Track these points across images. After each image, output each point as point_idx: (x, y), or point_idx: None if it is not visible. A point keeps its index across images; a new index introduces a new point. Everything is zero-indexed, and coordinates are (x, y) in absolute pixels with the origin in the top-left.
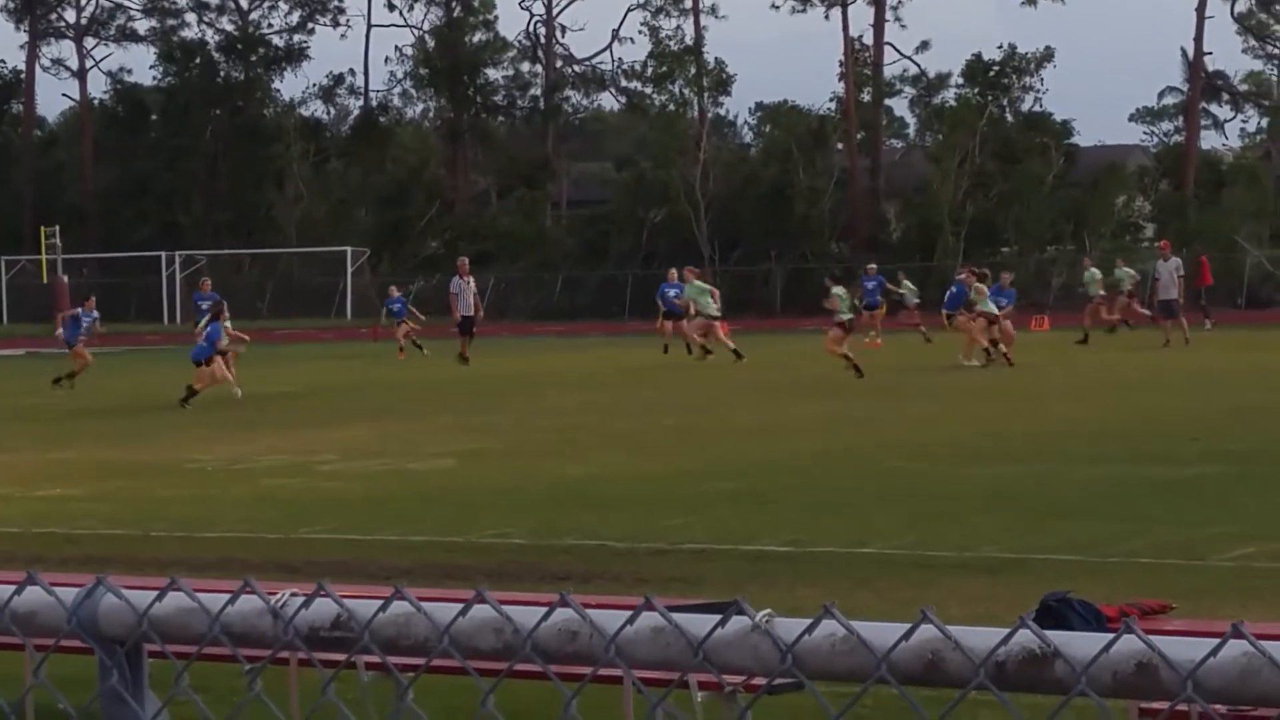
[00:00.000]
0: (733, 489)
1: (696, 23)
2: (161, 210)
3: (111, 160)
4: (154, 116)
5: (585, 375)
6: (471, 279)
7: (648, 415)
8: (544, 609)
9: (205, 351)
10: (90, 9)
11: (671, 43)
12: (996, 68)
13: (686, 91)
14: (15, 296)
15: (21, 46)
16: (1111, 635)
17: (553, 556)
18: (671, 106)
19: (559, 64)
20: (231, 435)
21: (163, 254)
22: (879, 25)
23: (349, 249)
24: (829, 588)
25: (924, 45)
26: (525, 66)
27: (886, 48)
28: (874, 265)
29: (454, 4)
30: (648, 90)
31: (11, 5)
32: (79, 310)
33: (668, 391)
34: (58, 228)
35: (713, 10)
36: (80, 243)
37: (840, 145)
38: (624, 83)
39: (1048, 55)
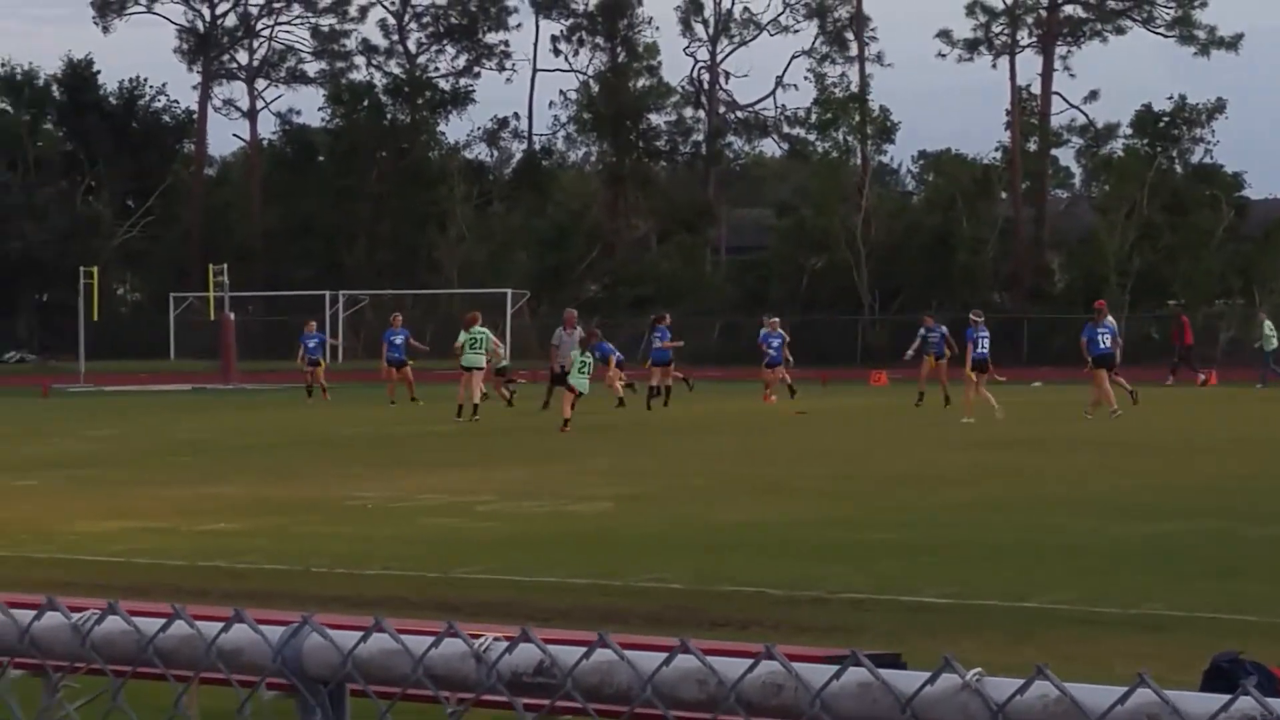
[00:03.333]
0: (890, 539)
1: (861, 70)
2: (326, 250)
3: (278, 200)
4: (321, 157)
5: (740, 420)
6: (579, 329)
7: (801, 462)
8: (747, 660)
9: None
10: (262, 51)
11: (836, 89)
12: (1166, 118)
13: (850, 138)
14: (182, 333)
15: (194, 87)
16: None
17: (711, 603)
18: (834, 153)
19: (722, 109)
20: (391, 474)
21: (326, 293)
22: (1047, 74)
23: (509, 291)
24: (991, 641)
25: (1092, 95)
26: (688, 112)
27: (1054, 97)
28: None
29: (619, 50)
30: (810, 137)
31: (185, 47)
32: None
33: (817, 438)
34: (225, 265)
35: (878, 58)
36: (246, 281)
37: (1005, 194)
38: (786, 129)
39: (1219, 106)
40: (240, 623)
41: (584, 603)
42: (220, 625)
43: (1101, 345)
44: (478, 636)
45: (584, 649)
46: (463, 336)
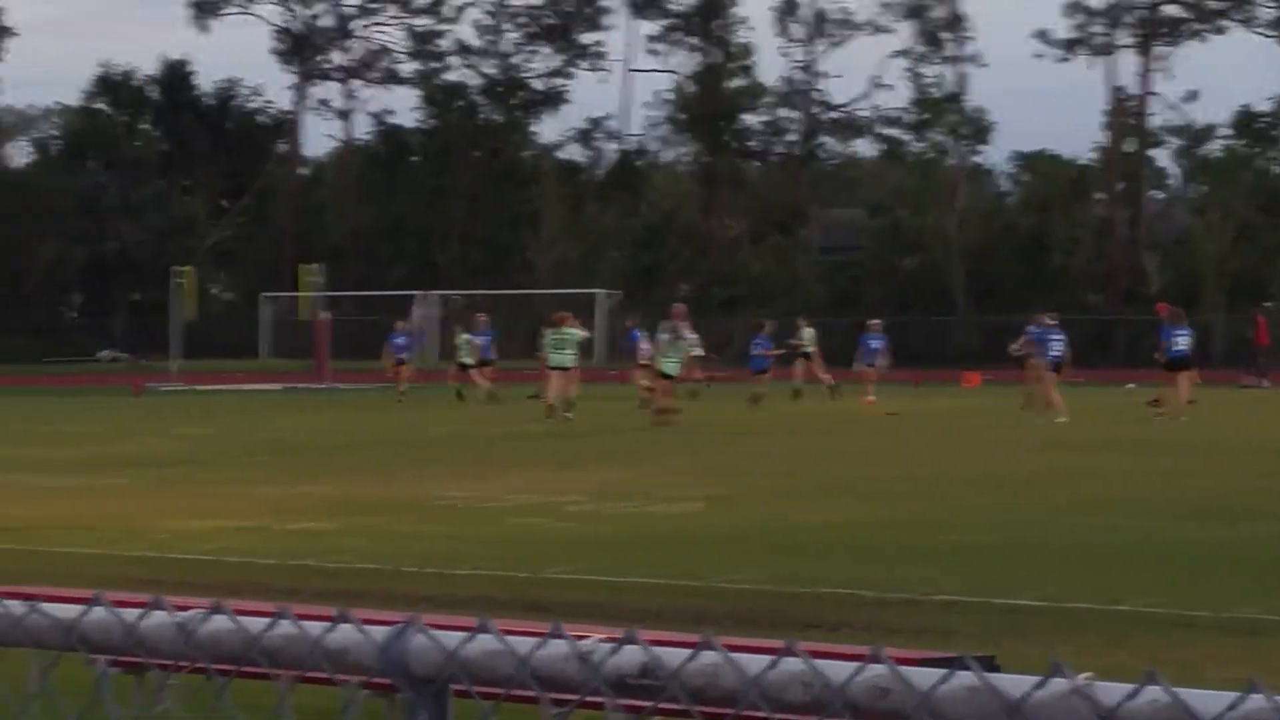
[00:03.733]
0: (981, 540)
1: (958, 70)
2: (419, 249)
3: (372, 200)
4: (415, 157)
5: (828, 421)
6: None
7: (892, 463)
8: (852, 663)
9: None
10: (357, 52)
11: (932, 90)
12: (1266, 119)
13: (945, 139)
14: (275, 332)
15: (290, 87)
16: None
17: (801, 604)
18: (929, 154)
19: (816, 110)
20: (480, 473)
21: (418, 293)
22: (1145, 75)
23: (601, 291)
24: (1085, 644)
25: (1191, 95)
26: (782, 112)
27: (1152, 98)
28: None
29: (713, 50)
30: (905, 137)
31: (281, 47)
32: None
33: (909, 439)
34: (319, 265)
35: (974, 58)
36: (339, 280)
37: (1100, 195)
38: (881, 129)
39: None
40: (345, 623)
41: (674, 604)
42: (325, 625)
43: (1177, 348)
44: (582, 638)
45: (689, 651)
46: (550, 336)
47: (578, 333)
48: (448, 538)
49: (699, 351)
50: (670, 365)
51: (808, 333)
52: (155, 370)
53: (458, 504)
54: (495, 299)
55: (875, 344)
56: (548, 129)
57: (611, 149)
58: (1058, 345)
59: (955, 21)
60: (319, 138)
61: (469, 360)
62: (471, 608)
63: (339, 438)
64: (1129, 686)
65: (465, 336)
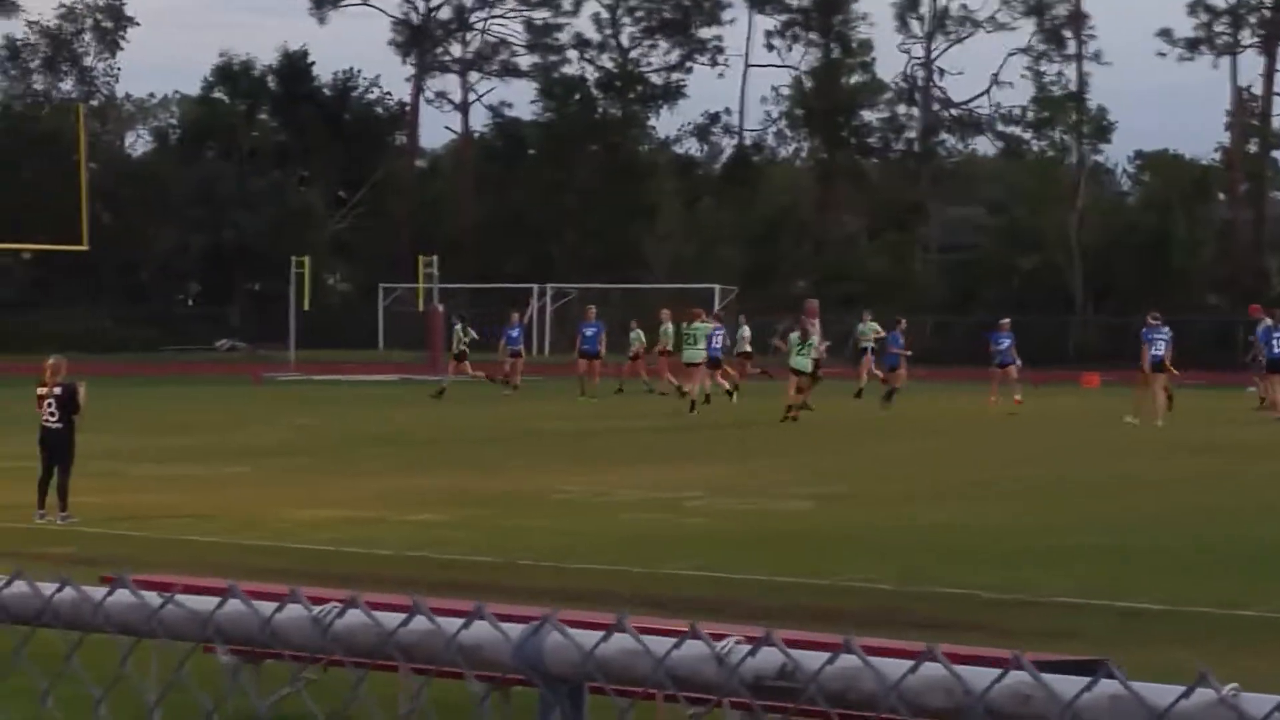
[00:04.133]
0: (1099, 543)
1: (1079, 68)
2: (534, 243)
3: (489, 192)
4: (531, 150)
5: (945, 421)
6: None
7: (1009, 464)
8: (994, 669)
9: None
10: (475, 44)
11: (1053, 88)
12: None
13: (1066, 137)
14: (391, 323)
15: (408, 79)
16: None
17: (919, 604)
18: (1050, 152)
19: (935, 107)
20: (597, 467)
21: (534, 286)
22: (1269, 74)
23: (717, 287)
24: (1205, 650)
25: None
26: (901, 109)
27: (1277, 98)
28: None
29: (833, 45)
30: (1026, 135)
31: (399, 39)
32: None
33: (1027, 440)
34: (435, 257)
35: (1096, 56)
36: (455, 272)
37: (1223, 196)
38: (1001, 127)
39: None
40: (480, 619)
41: (792, 602)
42: (461, 621)
43: (1277, 349)
44: (719, 638)
45: (828, 654)
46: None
47: (708, 326)
48: (563, 532)
49: (747, 348)
50: (801, 361)
51: (871, 326)
52: (273, 360)
53: (573, 498)
54: (611, 293)
55: (1005, 343)
56: (665, 123)
57: (728, 144)
58: (1160, 344)
59: (1077, 19)
60: (436, 130)
61: (465, 349)
62: (586, 603)
63: (455, 430)
64: (1277, 698)
65: (461, 326)
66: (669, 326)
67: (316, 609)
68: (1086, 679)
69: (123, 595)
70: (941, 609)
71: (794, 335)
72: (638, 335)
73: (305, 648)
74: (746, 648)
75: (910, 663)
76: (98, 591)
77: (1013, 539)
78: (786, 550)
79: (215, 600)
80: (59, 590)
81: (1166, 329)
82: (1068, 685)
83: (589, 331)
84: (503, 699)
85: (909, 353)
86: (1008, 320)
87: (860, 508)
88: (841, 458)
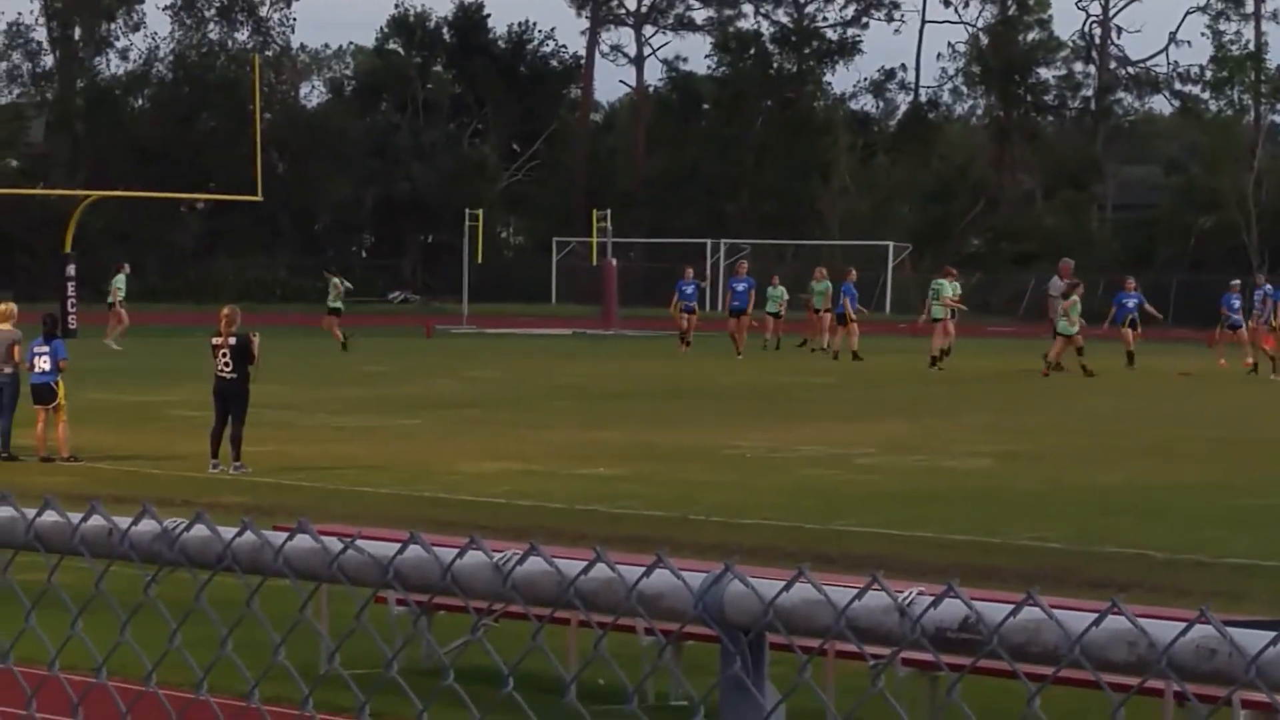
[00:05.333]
0: (1274, 504)
1: (1257, 27)
2: (708, 198)
3: (662, 147)
4: (706, 105)
5: (1118, 381)
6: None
7: (1184, 424)
8: (1176, 624)
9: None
10: None
11: (1232, 47)
12: None
13: (1244, 97)
14: (564, 277)
15: (582, 33)
16: None
17: (1091, 563)
18: (1227, 112)
19: (1112, 65)
20: (770, 424)
21: (708, 242)
22: None
23: (891, 244)
24: None
25: None
26: (1078, 67)
27: None
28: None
29: (1009, 2)
30: (1203, 95)
31: None
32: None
33: (1202, 401)
34: (609, 211)
35: (1275, 16)
36: (628, 227)
37: None
38: (1179, 86)
39: None
40: (661, 567)
41: (963, 560)
42: (641, 570)
43: None
44: (899, 591)
45: (1010, 606)
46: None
47: (947, 284)
48: (736, 487)
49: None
50: (1065, 325)
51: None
52: (446, 313)
53: (746, 453)
54: (785, 249)
55: (1237, 303)
56: (840, 79)
57: (904, 101)
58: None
59: None
60: (610, 84)
61: (339, 305)
62: (757, 558)
63: (627, 384)
64: None
65: (335, 280)
66: (825, 284)
67: (497, 556)
68: (1271, 634)
69: (303, 540)
70: (1115, 569)
71: (1059, 299)
72: (779, 292)
73: (485, 595)
74: (929, 599)
75: (1093, 615)
76: (277, 536)
77: (1186, 499)
78: (958, 508)
79: (395, 546)
80: (239, 535)
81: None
82: (1253, 639)
83: (739, 287)
84: (675, 653)
85: (1160, 315)
86: (1238, 282)
87: (1036, 466)
88: (1022, 417)
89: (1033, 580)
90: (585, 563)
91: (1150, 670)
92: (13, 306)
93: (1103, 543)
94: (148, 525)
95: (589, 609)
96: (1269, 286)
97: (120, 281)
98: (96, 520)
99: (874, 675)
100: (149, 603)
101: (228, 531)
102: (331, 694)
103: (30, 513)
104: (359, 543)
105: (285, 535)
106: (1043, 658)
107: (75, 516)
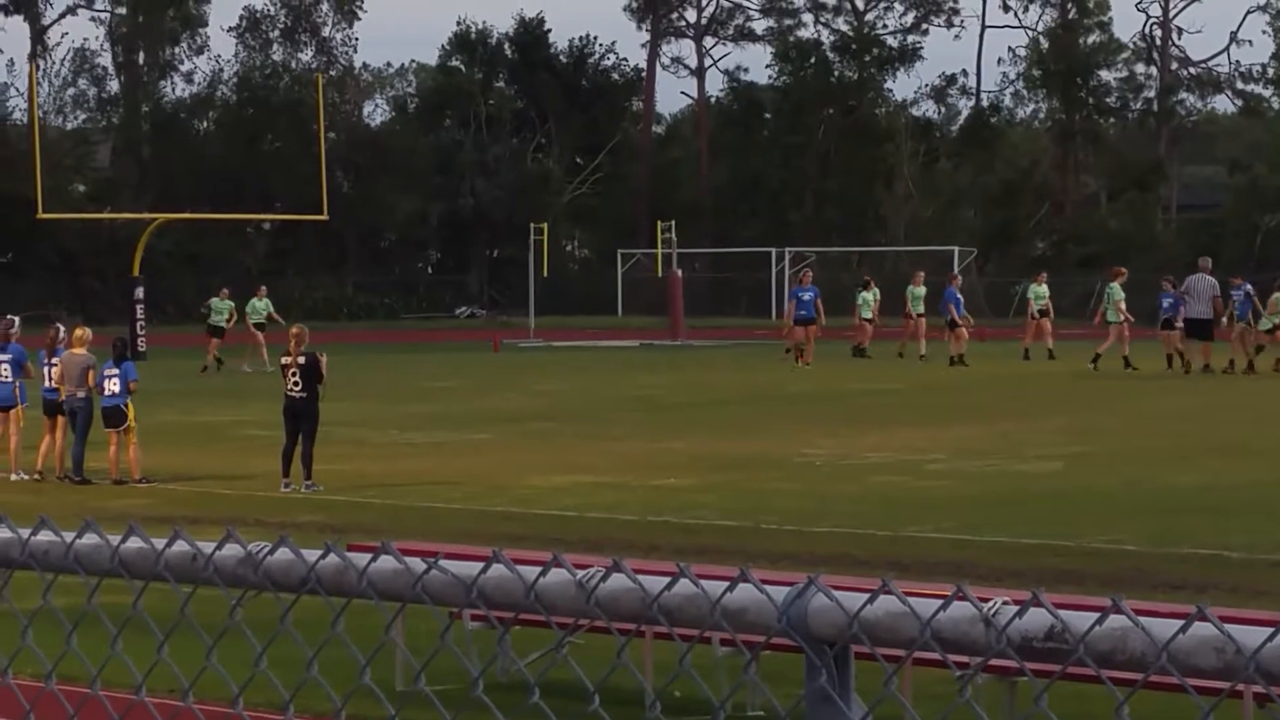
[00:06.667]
0: None
1: None
2: (772, 207)
3: (725, 157)
4: (768, 115)
5: (1189, 380)
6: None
7: (1259, 422)
8: (1264, 629)
9: None
10: (710, 9)
11: None
12: None
13: None
14: (630, 289)
15: (643, 45)
16: None
17: (1166, 565)
18: None
19: (1174, 66)
20: (839, 431)
21: (772, 250)
22: None
23: (956, 249)
24: None
25: None
26: (1139, 68)
27: None
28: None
29: (1069, 5)
30: (1266, 93)
31: (634, 5)
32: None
33: (1271, 399)
34: (673, 222)
35: None
36: (693, 238)
37: None
38: (1240, 85)
39: None
40: (745, 582)
41: (1037, 563)
42: (725, 585)
43: None
44: (984, 600)
45: (1095, 614)
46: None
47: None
48: (808, 495)
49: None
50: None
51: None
52: (513, 326)
53: (817, 461)
54: (850, 256)
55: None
56: (901, 86)
57: (965, 106)
58: None
59: None
60: (672, 95)
61: (221, 324)
62: (830, 566)
63: (696, 394)
64: None
65: (217, 300)
66: (919, 290)
67: (580, 573)
68: None
69: (386, 562)
70: (1191, 570)
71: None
72: (865, 298)
73: (569, 613)
74: (1014, 609)
75: (1179, 622)
76: (361, 558)
77: (1262, 498)
78: (1030, 512)
79: (478, 566)
80: (323, 557)
81: None
82: None
83: (805, 296)
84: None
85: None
86: None
87: (1109, 467)
88: (1095, 418)
89: (1109, 583)
90: (668, 578)
91: (1237, 676)
92: (88, 331)
93: (1178, 543)
94: (232, 550)
95: (673, 624)
96: (1248, 285)
97: (260, 304)
98: (181, 546)
99: (961, 686)
100: (234, 626)
101: (311, 554)
102: (414, 711)
103: (115, 539)
104: (442, 563)
105: (369, 557)
106: (1129, 665)
107: (159, 542)
